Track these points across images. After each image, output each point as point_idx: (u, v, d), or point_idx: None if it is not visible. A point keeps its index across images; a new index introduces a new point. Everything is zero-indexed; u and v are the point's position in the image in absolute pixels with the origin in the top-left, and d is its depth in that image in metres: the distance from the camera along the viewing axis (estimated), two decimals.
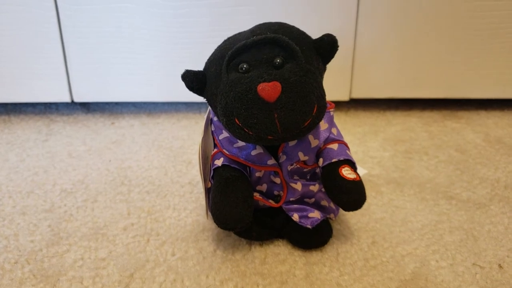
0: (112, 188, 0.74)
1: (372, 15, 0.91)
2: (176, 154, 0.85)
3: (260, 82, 0.47)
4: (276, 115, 0.47)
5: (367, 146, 0.87)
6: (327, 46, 0.52)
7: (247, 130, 0.48)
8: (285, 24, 0.54)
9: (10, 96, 0.95)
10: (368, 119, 0.99)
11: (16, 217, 0.66)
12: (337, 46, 0.53)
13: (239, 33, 0.54)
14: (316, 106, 0.49)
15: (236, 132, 0.49)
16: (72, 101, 0.96)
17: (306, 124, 0.49)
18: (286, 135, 0.49)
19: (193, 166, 0.80)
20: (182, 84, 0.54)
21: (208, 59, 0.55)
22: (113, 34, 0.91)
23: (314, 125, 0.50)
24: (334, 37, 0.52)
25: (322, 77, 0.53)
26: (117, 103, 1.06)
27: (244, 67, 0.50)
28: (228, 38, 0.54)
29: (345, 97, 0.99)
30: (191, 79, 0.54)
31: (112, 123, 0.97)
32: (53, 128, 0.95)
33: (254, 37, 0.50)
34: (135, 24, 0.90)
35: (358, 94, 0.99)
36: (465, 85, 0.98)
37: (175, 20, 0.90)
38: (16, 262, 0.58)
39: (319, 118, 0.50)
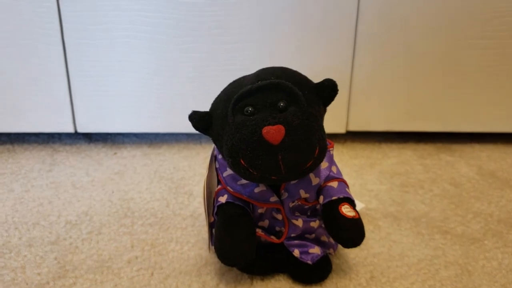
0: (116, 220, 0.75)
1: (368, 51, 0.94)
2: (177, 185, 0.86)
3: (265, 125, 0.50)
4: (280, 157, 0.50)
5: (364, 179, 0.90)
6: (327, 90, 0.55)
7: (252, 171, 0.51)
8: (288, 69, 0.56)
9: (16, 126, 0.97)
10: (365, 151, 1.02)
11: (22, 249, 0.68)
12: (337, 90, 0.56)
13: (244, 77, 0.57)
14: (317, 148, 0.51)
15: (241, 172, 0.52)
16: (76, 132, 0.98)
17: (308, 165, 0.51)
18: (289, 176, 0.51)
19: (194, 198, 0.82)
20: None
21: (214, 101, 0.57)
22: (116, 68, 0.93)
23: (316, 166, 0.52)
24: (334, 81, 0.55)
25: (322, 119, 0.56)
26: (119, 133, 1.08)
27: (249, 110, 0.52)
28: (234, 82, 0.57)
29: (342, 130, 1.02)
30: (198, 120, 0.56)
31: (115, 153, 0.99)
32: (56, 158, 0.96)
33: (259, 82, 0.53)
34: (138, 58, 0.92)
35: (355, 126, 1.02)
36: (459, 118, 1.01)
37: (177, 55, 0.92)
38: None
39: (320, 159, 0.52)
